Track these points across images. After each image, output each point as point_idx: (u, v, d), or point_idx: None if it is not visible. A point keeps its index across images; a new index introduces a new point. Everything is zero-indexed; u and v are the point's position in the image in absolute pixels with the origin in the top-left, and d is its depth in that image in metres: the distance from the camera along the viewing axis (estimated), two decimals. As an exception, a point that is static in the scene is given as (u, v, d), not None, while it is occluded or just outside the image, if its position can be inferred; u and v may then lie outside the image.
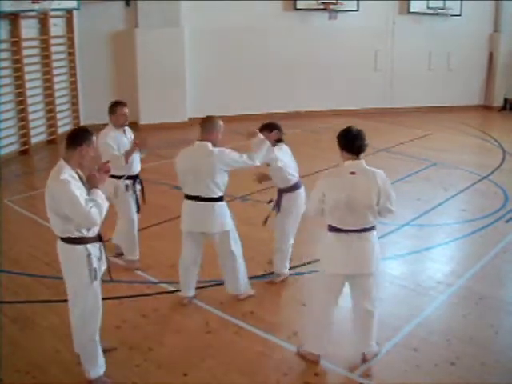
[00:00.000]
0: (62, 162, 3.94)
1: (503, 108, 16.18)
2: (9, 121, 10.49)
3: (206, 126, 5.00)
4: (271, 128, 5.42)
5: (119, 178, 5.77)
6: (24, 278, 5.80)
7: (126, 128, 5.93)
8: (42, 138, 11.66)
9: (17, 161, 10.58)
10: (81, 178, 4.00)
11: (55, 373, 4.26)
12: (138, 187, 6.03)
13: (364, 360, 4.38)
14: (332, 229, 4.17)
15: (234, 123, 13.68)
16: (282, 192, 5.58)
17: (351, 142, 4.08)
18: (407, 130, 13.39)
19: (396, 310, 5.19)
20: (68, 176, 3.84)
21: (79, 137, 3.97)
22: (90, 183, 4.01)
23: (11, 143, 10.63)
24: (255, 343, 4.68)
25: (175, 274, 5.85)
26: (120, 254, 6.17)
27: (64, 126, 12.29)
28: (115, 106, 5.81)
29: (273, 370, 4.33)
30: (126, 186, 5.86)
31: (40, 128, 11.56)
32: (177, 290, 5.50)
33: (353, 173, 4.03)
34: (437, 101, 15.79)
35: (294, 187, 5.56)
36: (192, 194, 5.03)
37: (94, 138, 4.04)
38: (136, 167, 5.95)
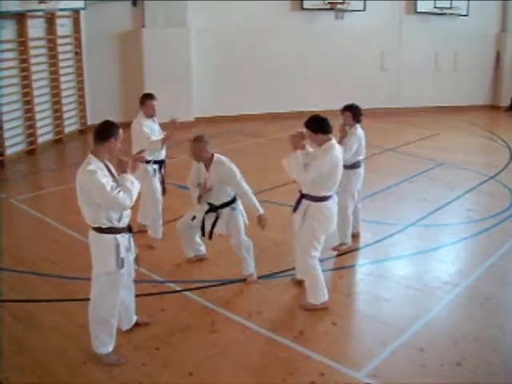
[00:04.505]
0: (90, 155, 4.14)
1: (510, 108, 16.10)
2: (16, 120, 10.53)
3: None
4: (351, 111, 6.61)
5: (147, 162, 6.24)
6: (29, 277, 5.81)
7: (155, 118, 6.42)
8: (49, 137, 11.70)
9: (23, 160, 10.62)
10: (109, 169, 4.20)
11: (61, 372, 4.26)
12: (162, 171, 6.51)
13: None
14: None
15: (239, 123, 13.76)
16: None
17: None
18: (414, 129, 13.35)
19: (402, 310, 5.17)
20: (95, 167, 4.05)
21: (107, 131, 4.15)
22: (119, 168, 4.21)
23: (18, 143, 10.68)
24: (261, 343, 4.69)
25: (181, 274, 5.86)
26: (140, 232, 6.67)
27: (71, 126, 12.36)
28: (145, 99, 6.33)
29: (278, 369, 4.32)
30: (154, 170, 6.40)
31: (47, 128, 11.60)
32: (183, 290, 5.51)
33: None
34: (443, 101, 15.74)
35: (354, 166, 6.24)
36: None
37: (121, 131, 4.20)
38: (162, 153, 6.45)
